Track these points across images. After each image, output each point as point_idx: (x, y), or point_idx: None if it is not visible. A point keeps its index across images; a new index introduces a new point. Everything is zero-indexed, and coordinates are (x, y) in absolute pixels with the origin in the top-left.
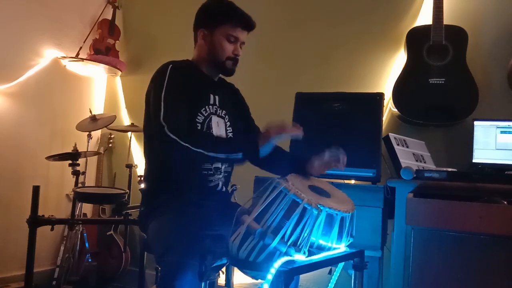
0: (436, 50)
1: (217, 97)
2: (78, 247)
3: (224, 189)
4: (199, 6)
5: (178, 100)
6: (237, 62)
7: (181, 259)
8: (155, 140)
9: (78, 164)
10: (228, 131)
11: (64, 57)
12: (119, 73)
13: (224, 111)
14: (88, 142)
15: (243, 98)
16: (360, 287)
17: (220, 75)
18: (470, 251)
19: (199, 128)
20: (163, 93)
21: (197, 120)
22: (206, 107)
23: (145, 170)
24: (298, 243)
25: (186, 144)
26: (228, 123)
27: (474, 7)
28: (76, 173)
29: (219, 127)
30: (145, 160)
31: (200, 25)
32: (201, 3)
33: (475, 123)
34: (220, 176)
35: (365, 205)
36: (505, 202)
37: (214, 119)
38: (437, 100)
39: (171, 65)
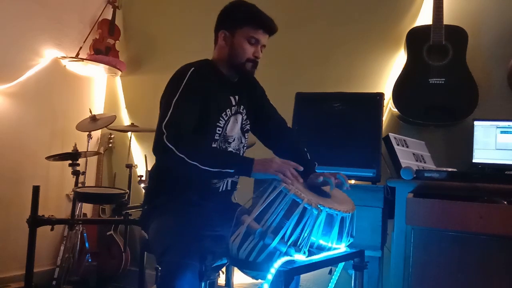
0: (436, 50)
1: (237, 97)
2: (78, 247)
3: (225, 188)
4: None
5: (189, 107)
6: (256, 64)
7: (180, 259)
8: (153, 145)
9: (78, 164)
10: (244, 124)
11: (64, 57)
12: (119, 73)
13: (242, 106)
14: (88, 142)
15: (257, 83)
16: (360, 287)
17: None
18: (470, 251)
19: (219, 132)
20: (175, 99)
21: (218, 125)
22: (227, 110)
23: (152, 167)
24: (298, 243)
25: (182, 156)
26: (245, 116)
27: (474, 7)
28: (76, 173)
29: (233, 126)
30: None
31: (221, 26)
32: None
33: (475, 123)
34: (225, 181)
35: (365, 205)
36: (505, 202)
37: (232, 119)
38: (437, 100)
39: (192, 69)
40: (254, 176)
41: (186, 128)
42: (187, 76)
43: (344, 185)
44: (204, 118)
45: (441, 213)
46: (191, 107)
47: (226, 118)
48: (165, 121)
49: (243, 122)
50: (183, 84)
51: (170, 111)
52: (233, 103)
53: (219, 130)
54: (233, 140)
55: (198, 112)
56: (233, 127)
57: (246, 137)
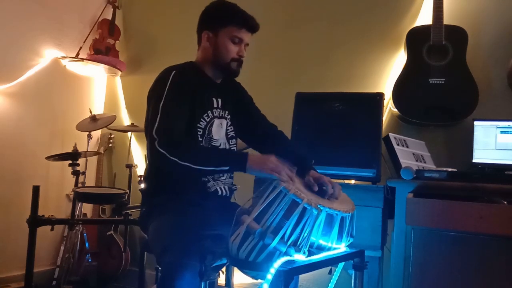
0: (436, 50)
1: (220, 100)
2: (78, 247)
3: (224, 193)
4: (203, 8)
5: (175, 110)
6: (241, 63)
7: (180, 259)
8: (148, 151)
9: (78, 164)
10: (228, 130)
11: (64, 57)
12: (119, 73)
13: (226, 111)
14: (88, 142)
15: (244, 91)
16: (360, 287)
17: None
18: (470, 251)
19: (200, 133)
20: (161, 103)
21: (198, 125)
22: (209, 112)
23: (145, 169)
24: (298, 243)
25: (174, 159)
26: (229, 122)
27: (474, 7)
28: (76, 173)
29: (219, 130)
30: (147, 160)
31: (204, 27)
32: (202, 4)
33: (475, 123)
34: (221, 183)
35: (365, 205)
36: (505, 202)
37: (216, 122)
38: (437, 100)
39: (174, 71)
40: (250, 172)
41: (177, 132)
42: (170, 80)
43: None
44: (187, 119)
45: (441, 213)
46: (178, 109)
47: (208, 120)
48: (155, 128)
49: (228, 128)
50: (167, 88)
51: (159, 116)
52: (215, 105)
53: (200, 131)
54: (219, 145)
55: (186, 113)
56: (218, 131)
57: (232, 143)
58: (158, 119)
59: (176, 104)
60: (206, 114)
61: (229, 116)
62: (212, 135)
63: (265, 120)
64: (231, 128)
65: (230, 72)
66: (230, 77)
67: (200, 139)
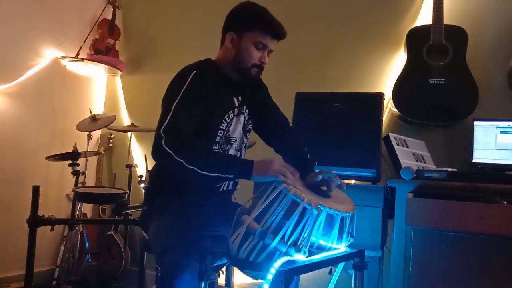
0: (436, 50)
1: (240, 97)
2: (78, 247)
3: (226, 187)
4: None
5: (189, 112)
6: (262, 70)
7: (179, 259)
8: (152, 149)
9: (78, 164)
10: (247, 123)
11: (64, 57)
12: (119, 73)
13: (244, 106)
14: (88, 142)
15: (260, 82)
16: (360, 287)
17: None
18: (470, 251)
19: (221, 134)
20: (175, 103)
21: (220, 127)
22: (230, 112)
23: (152, 167)
24: (298, 243)
25: (180, 160)
26: (247, 116)
27: (474, 7)
28: (76, 173)
29: (236, 127)
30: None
31: (229, 27)
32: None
33: (475, 123)
34: (225, 181)
35: (365, 205)
36: (505, 202)
37: (234, 120)
38: (437, 100)
39: (194, 72)
40: (254, 179)
41: (185, 133)
42: (189, 79)
43: (336, 182)
44: (206, 121)
45: (441, 213)
46: (191, 111)
47: (228, 120)
48: (164, 126)
49: (245, 122)
50: (184, 87)
51: (170, 115)
52: (236, 104)
53: (220, 133)
54: (235, 141)
55: (199, 116)
56: (236, 128)
57: (248, 136)
58: (168, 118)
59: (189, 106)
60: (227, 115)
61: (247, 111)
62: (229, 134)
63: (279, 112)
64: (249, 122)
65: (249, 77)
66: (249, 82)
67: (219, 140)
